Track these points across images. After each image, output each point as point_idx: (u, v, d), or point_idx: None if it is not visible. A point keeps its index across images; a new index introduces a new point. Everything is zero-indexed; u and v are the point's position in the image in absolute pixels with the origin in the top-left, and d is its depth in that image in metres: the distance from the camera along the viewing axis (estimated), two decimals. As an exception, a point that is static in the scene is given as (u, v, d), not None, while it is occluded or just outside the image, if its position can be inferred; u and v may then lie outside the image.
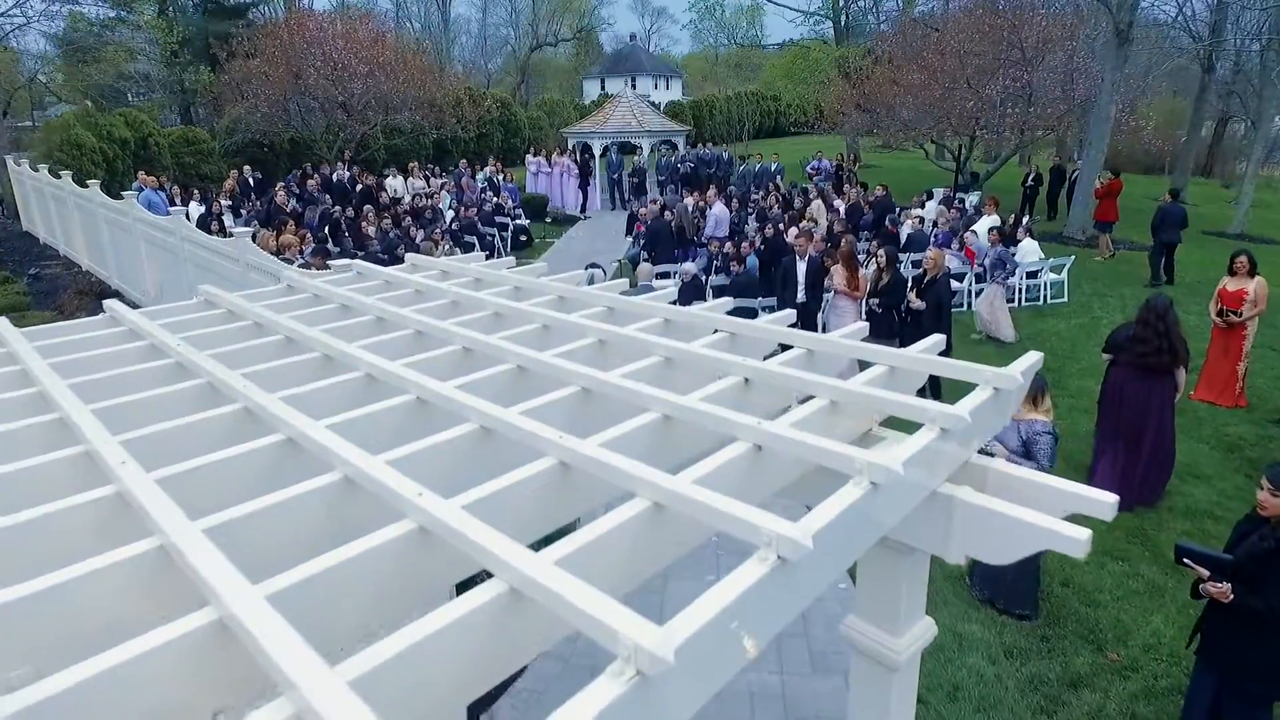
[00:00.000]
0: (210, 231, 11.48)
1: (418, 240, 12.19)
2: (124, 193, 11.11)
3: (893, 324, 7.97)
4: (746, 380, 1.76)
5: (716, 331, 2.21)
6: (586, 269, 7.40)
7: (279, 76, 19.97)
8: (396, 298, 2.69)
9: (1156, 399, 5.92)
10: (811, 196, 14.63)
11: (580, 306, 2.53)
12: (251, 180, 16.75)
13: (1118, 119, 16.77)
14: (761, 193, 16.57)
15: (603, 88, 50.98)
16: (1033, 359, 1.82)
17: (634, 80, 55.50)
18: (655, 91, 56.08)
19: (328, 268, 6.89)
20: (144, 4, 31.09)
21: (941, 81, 18.43)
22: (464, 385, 1.75)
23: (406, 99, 21.31)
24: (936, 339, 2.10)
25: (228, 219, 13.95)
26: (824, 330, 8.70)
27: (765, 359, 2.11)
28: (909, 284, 7.94)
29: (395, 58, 21.48)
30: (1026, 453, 4.27)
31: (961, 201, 13.62)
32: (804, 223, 13.14)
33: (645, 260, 12.32)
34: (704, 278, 10.04)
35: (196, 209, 14.23)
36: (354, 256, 11.69)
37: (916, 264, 11.35)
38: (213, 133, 25.50)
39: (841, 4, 34.84)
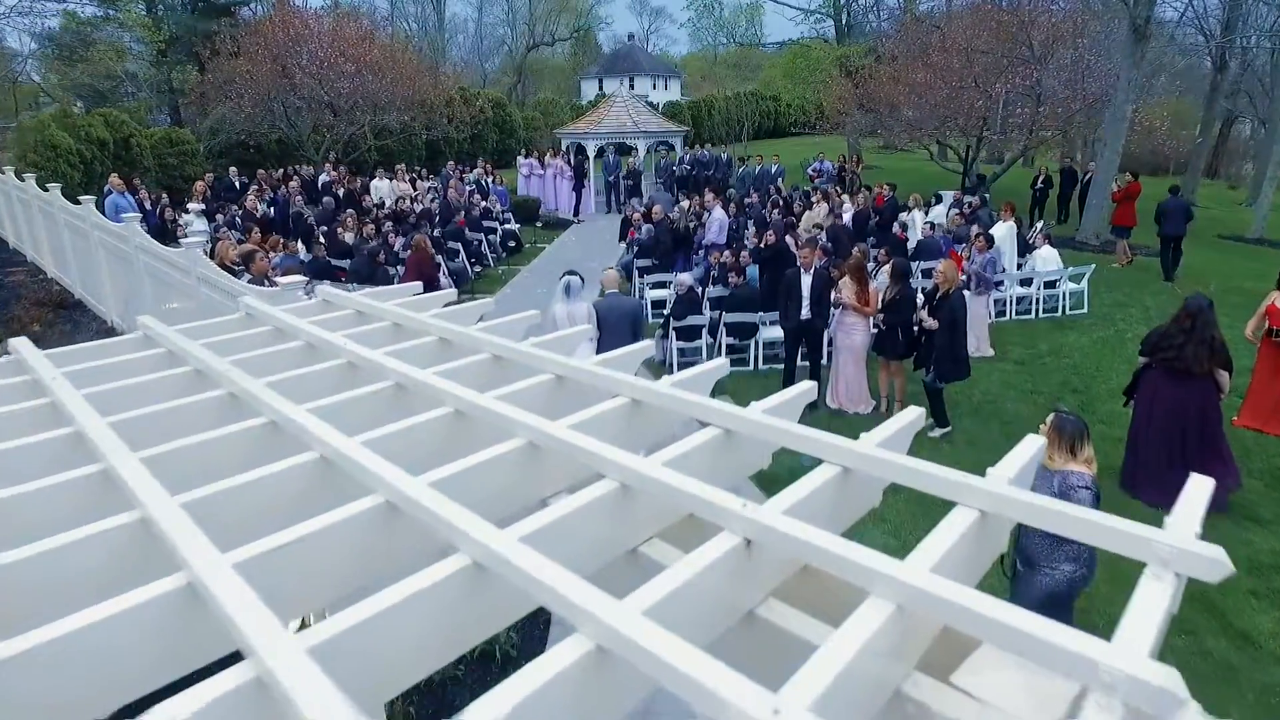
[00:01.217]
0: (171, 237, 10.80)
1: (396, 248, 11.52)
2: (81, 197, 10.41)
3: (897, 343, 7.28)
4: (749, 542, 1.07)
5: (704, 425, 1.52)
6: (562, 277, 6.69)
7: (263, 75, 19.27)
8: (274, 358, 1.99)
9: (1195, 403, 5.68)
10: (814, 200, 13.91)
11: (519, 373, 1.84)
12: (237, 183, 16.01)
13: (1130, 118, 16.11)
14: (758, 195, 15.86)
15: (600, 88, 50.29)
16: (1217, 559, 1.08)
17: (632, 80, 54.95)
18: (654, 92, 55.35)
19: (273, 283, 6.19)
20: (131, 2, 30.42)
21: (948, 80, 17.76)
22: (285, 548, 1.06)
23: (395, 99, 20.61)
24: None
25: (200, 224, 13.27)
26: (831, 345, 8.02)
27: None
28: (921, 299, 7.24)
29: (384, 56, 20.78)
30: None
31: (971, 206, 12.90)
32: (808, 228, 12.46)
33: (640, 267, 11.68)
34: (700, 289, 9.36)
35: (194, 215, 13.48)
36: (329, 264, 11.02)
37: (927, 274, 10.68)
38: (197, 133, 24.83)
39: (843, 2, 34.17)
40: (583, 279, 6.68)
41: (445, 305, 2.80)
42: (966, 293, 8.78)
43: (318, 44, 19.73)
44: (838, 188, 17.11)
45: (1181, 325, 5.61)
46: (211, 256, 9.53)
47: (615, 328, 6.57)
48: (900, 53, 21.01)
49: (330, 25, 21.69)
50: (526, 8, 52.33)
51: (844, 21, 34.17)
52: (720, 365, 1.88)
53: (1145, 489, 5.90)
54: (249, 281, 6.69)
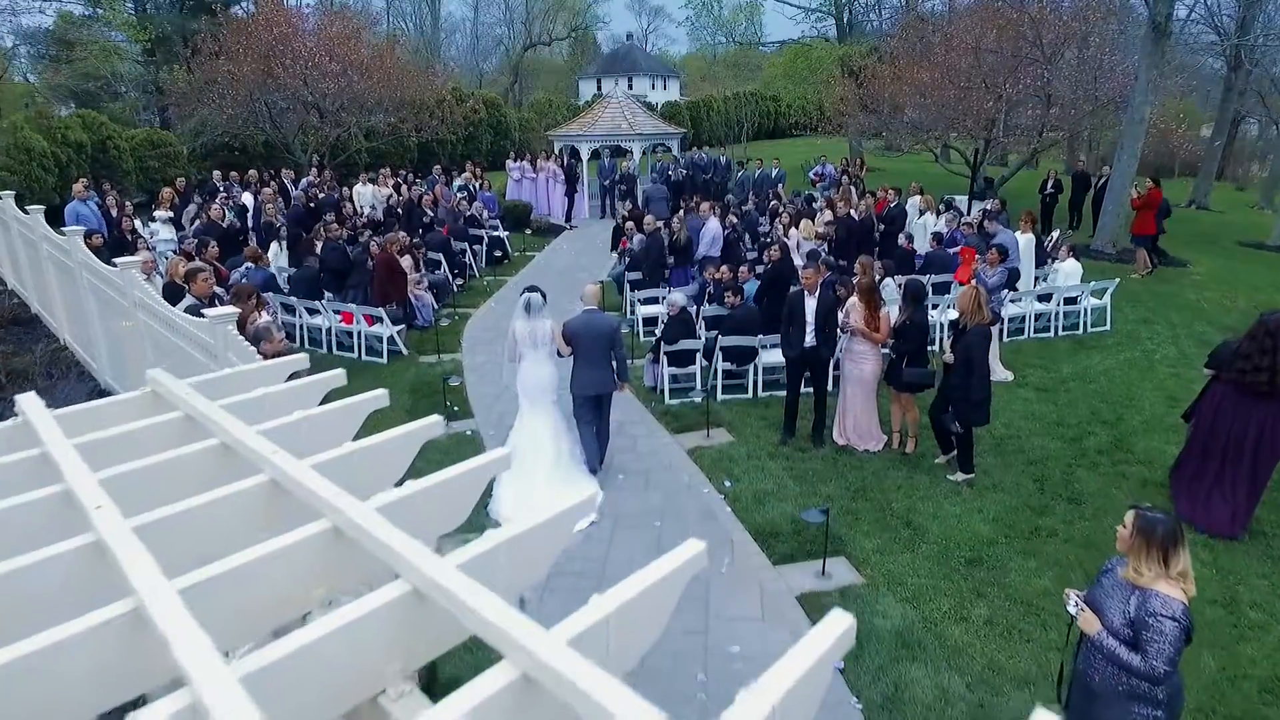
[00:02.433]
0: (131, 250, 10.06)
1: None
2: (29, 206, 9.69)
3: (899, 376, 6.53)
4: None
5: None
6: (523, 294, 6.11)
7: (246, 75, 18.50)
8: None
9: (1255, 424, 5.43)
10: (820, 206, 13.14)
11: (359, 563, 1.13)
12: (220, 187, 15.21)
13: (1148, 120, 15.37)
14: (757, 201, 15.11)
15: (598, 88, 49.59)
16: None
17: (631, 80, 54.27)
18: (652, 92, 54.68)
19: (214, 306, 5.47)
20: (118, 1, 29.67)
21: (955, 80, 17.02)
22: None
23: (383, 99, 19.85)
24: None
25: (167, 233, 12.52)
26: (837, 366, 7.29)
27: None
28: (945, 328, 6.50)
29: (370, 56, 20.02)
30: (1134, 637, 2.75)
31: (987, 212, 12.14)
32: (807, 235, 11.73)
33: (632, 281, 10.96)
34: (694, 308, 8.64)
35: (161, 224, 12.67)
36: (317, 276, 10.28)
37: (938, 289, 9.96)
38: (180, 134, 24.12)
39: (844, 1, 33.40)
40: (544, 295, 6.12)
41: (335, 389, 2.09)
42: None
43: (301, 42, 18.97)
44: (844, 179, 16.37)
45: (1262, 344, 5.25)
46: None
47: (589, 349, 6.12)
48: (903, 52, 20.26)
49: (315, 23, 20.97)
50: (523, 7, 51.57)
51: (845, 20, 33.40)
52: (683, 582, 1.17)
53: (1184, 503, 5.74)
54: (186, 308, 5.96)
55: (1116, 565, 3.02)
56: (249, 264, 10.12)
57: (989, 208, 12.45)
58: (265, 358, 5.16)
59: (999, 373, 8.40)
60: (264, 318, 6.75)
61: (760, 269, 9.31)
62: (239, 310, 4.90)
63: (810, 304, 6.62)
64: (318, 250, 10.59)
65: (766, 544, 5.42)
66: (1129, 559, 2.83)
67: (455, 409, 7.67)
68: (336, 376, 1.95)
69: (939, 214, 12.78)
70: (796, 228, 11.97)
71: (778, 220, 11.63)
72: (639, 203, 16.38)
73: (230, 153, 23.88)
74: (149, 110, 32.10)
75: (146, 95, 31.41)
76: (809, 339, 6.67)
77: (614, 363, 6.18)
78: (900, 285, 7.90)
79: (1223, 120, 24.06)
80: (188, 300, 6.46)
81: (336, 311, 9.40)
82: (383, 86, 19.49)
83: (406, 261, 10.03)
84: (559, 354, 6.14)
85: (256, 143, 23.69)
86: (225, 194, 13.15)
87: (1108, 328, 10.12)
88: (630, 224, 11.94)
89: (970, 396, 5.94)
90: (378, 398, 1.94)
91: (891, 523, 5.64)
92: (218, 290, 7.39)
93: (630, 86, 52.50)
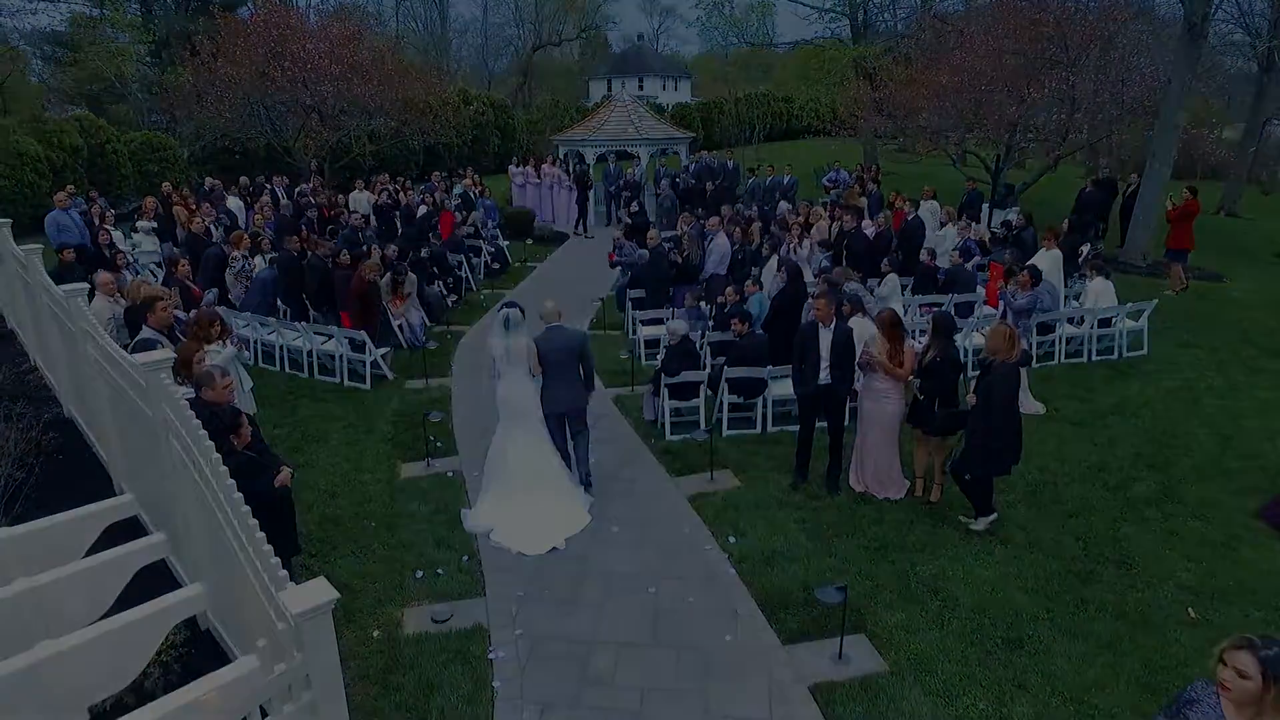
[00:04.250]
0: (109, 265, 9.52)
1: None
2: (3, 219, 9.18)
3: (934, 416, 5.87)
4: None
5: None
6: (500, 310, 5.78)
7: (242, 78, 18.02)
8: None
9: None
10: (837, 215, 12.47)
11: None
12: (210, 190, 14.63)
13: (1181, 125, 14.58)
14: (760, 208, 14.43)
15: (609, 88, 49.05)
16: None
17: (641, 81, 53.60)
18: (664, 93, 54.12)
19: (176, 338, 4.88)
20: (124, 1, 29.36)
21: (975, 84, 16.28)
22: None
23: (384, 102, 19.32)
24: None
25: (150, 244, 12.01)
26: (854, 400, 6.66)
27: None
28: (972, 362, 5.85)
29: (370, 58, 19.48)
30: None
31: (1013, 225, 11.44)
32: (818, 219, 11.08)
33: (634, 299, 10.35)
34: (698, 333, 8.01)
35: (144, 235, 12.14)
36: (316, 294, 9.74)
37: (961, 310, 9.31)
38: (179, 137, 23.72)
39: (858, 0, 32.57)
40: (523, 311, 5.79)
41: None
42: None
43: (300, 44, 18.46)
44: (857, 186, 15.73)
45: None
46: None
47: (559, 366, 5.80)
48: (918, 54, 19.52)
49: (316, 25, 20.46)
50: (533, 7, 51.01)
51: (859, 20, 32.57)
52: None
53: None
54: (140, 340, 5.37)
55: (1204, 696, 2.41)
56: (235, 253, 9.67)
57: (1014, 220, 11.76)
58: (206, 404, 4.59)
59: (1029, 405, 7.72)
60: (227, 349, 6.19)
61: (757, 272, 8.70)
62: (174, 355, 4.30)
63: (825, 337, 5.98)
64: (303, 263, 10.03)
65: (775, 616, 4.79)
66: (1247, 709, 2.18)
67: (439, 445, 7.08)
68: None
69: (956, 224, 12.11)
70: (808, 234, 11.35)
71: (787, 237, 10.94)
72: (645, 210, 15.69)
73: (231, 156, 23.48)
74: (155, 112, 31.80)
75: (153, 97, 31.12)
76: (823, 375, 6.03)
77: (582, 375, 5.93)
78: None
79: (1254, 123, 23.11)
80: (145, 331, 5.89)
81: (318, 333, 8.85)
82: (383, 89, 18.96)
83: (386, 281, 9.43)
84: (531, 374, 5.83)
85: (258, 146, 23.27)
86: (209, 203, 12.56)
87: (1145, 352, 9.39)
88: (619, 236, 11.35)
89: (989, 443, 5.30)
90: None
91: (917, 590, 4.99)
92: (181, 315, 6.85)
93: (641, 87, 51.91)
